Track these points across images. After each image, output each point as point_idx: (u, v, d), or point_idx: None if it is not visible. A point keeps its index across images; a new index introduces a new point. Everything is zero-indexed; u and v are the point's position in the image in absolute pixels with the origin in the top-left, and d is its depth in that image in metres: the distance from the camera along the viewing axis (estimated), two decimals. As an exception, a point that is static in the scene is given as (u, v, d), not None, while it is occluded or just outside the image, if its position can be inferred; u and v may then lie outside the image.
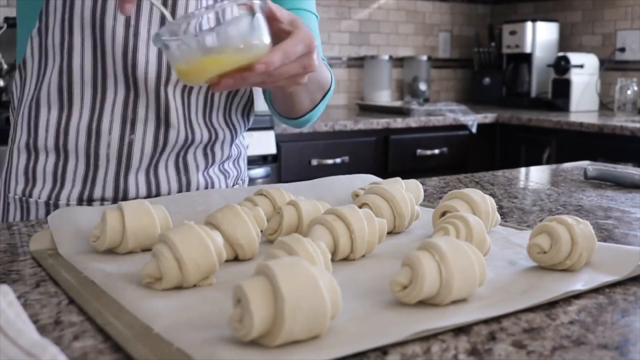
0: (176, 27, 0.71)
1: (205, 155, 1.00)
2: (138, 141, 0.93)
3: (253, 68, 0.70)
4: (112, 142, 0.93)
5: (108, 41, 0.90)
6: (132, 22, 0.90)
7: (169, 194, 0.97)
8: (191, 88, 0.95)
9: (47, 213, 0.94)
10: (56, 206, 0.94)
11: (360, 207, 0.78)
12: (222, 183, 1.04)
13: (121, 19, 0.90)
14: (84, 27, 0.90)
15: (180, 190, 0.98)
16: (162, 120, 0.93)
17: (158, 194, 0.96)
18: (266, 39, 0.72)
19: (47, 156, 0.94)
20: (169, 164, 0.97)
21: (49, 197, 0.94)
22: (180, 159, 0.97)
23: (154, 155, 0.94)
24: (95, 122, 0.92)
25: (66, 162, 0.94)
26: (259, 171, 2.37)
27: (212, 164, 1.01)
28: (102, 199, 0.95)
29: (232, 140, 1.04)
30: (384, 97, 3.35)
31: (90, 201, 0.94)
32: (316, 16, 1.06)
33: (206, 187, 1.00)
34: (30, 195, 0.95)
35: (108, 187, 0.94)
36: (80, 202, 0.94)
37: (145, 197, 0.95)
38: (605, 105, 3.26)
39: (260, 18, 0.71)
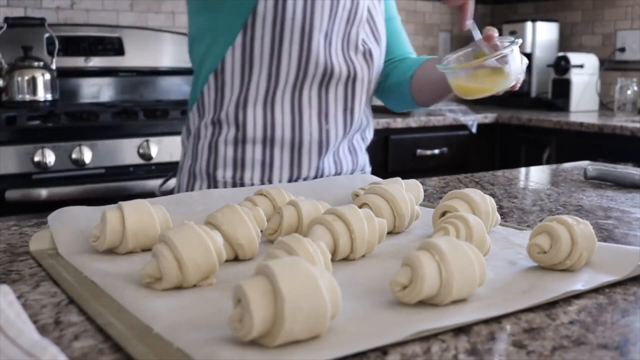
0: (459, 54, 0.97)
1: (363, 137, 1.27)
2: (332, 129, 1.16)
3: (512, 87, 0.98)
4: (313, 132, 1.14)
5: (313, 49, 1.09)
6: (330, 34, 1.11)
7: (344, 170, 1.20)
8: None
9: None
10: None
11: (360, 207, 0.78)
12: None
13: (323, 31, 1.09)
14: (292, 39, 1.08)
15: (353, 167, 1.23)
16: (348, 110, 1.17)
17: (339, 172, 1.19)
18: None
19: (254, 146, 1.13)
20: (344, 145, 1.21)
21: (261, 181, 1.13)
22: (353, 140, 1.23)
23: (343, 137, 1.19)
24: (297, 116, 1.13)
25: (272, 151, 1.13)
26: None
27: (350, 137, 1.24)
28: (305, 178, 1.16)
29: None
30: (385, 97, 3.34)
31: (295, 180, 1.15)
32: (398, 17, 1.34)
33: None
34: (242, 180, 1.13)
35: (312, 169, 1.15)
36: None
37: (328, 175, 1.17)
38: (605, 105, 3.25)
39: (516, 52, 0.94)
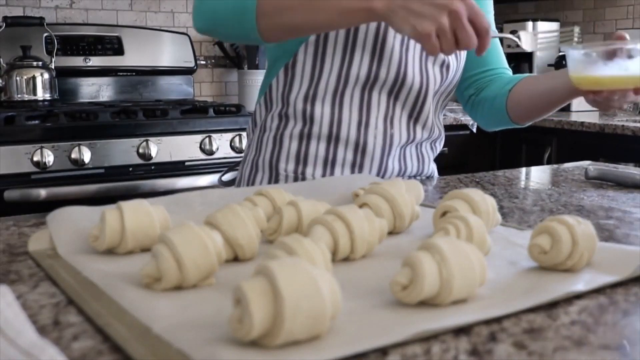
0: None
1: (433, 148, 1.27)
2: (396, 133, 1.16)
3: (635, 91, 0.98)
4: (378, 135, 1.14)
5: (386, 54, 1.10)
6: (407, 42, 1.12)
7: (408, 172, 1.20)
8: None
9: None
10: None
11: (360, 207, 0.78)
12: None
13: (399, 38, 1.10)
14: (366, 42, 1.09)
15: (419, 172, 1.22)
16: (413, 119, 1.17)
17: (404, 173, 1.19)
18: None
19: (318, 142, 1.13)
20: (412, 150, 1.21)
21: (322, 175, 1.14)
22: (422, 148, 1.23)
23: (406, 144, 1.18)
24: (364, 117, 1.13)
25: (336, 149, 1.13)
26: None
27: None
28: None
29: None
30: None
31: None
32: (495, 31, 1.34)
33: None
34: (303, 175, 1.14)
35: (374, 168, 1.15)
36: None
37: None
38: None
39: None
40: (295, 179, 1.14)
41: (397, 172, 1.17)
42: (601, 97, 0.99)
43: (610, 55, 0.92)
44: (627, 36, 0.96)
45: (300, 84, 1.14)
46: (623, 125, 2.54)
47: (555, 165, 1.42)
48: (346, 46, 1.09)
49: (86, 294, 0.58)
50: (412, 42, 1.11)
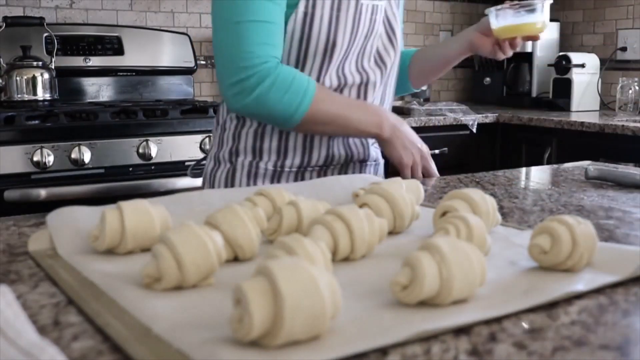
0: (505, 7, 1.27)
1: None
2: None
3: (536, 37, 1.30)
4: None
5: (332, 65, 1.19)
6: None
7: (355, 158, 1.30)
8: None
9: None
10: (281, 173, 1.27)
11: (360, 207, 0.78)
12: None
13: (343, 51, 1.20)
14: (316, 54, 1.18)
15: (365, 157, 1.32)
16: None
17: (350, 158, 1.29)
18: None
19: (271, 136, 1.24)
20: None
21: (274, 166, 1.25)
22: None
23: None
24: None
25: (287, 140, 1.23)
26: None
27: None
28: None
29: None
30: (385, 96, 3.34)
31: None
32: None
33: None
34: (257, 166, 1.24)
35: (321, 157, 1.25)
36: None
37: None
38: (607, 105, 3.25)
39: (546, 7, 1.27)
40: (250, 170, 1.25)
41: (343, 158, 1.28)
42: (515, 43, 1.29)
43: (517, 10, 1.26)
44: None
45: None
46: (623, 125, 2.54)
47: (555, 165, 1.42)
48: (299, 56, 1.18)
49: (86, 294, 0.58)
50: (352, 50, 1.22)
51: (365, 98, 1.26)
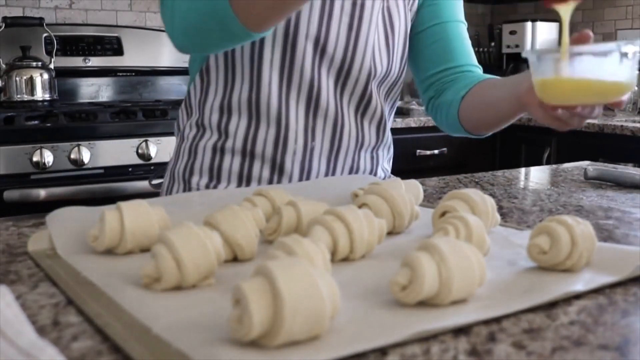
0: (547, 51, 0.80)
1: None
2: (317, 147, 1.05)
3: (614, 103, 0.80)
4: (297, 150, 1.03)
5: (298, 57, 0.99)
6: (322, 40, 1.00)
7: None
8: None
9: None
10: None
11: (359, 207, 0.78)
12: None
13: (312, 37, 0.99)
14: (275, 42, 0.99)
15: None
16: (338, 129, 1.05)
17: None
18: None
19: (232, 157, 1.05)
20: (346, 164, 1.09)
21: None
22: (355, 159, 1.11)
23: (330, 157, 1.07)
24: (282, 131, 1.03)
25: (251, 166, 1.04)
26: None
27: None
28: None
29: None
30: (384, 97, 3.34)
31: None
32: (464, 23, 1.15)
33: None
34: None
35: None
36: None
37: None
38: (606, 105, 3.25)
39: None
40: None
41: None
42: (570, 111, 0.84)
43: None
44: (591, 34, 0.82)
45: (215, 93, 1.05)
46: (622, 126, 2.55)
47: (554, 166, 1.42)
48: (253, 48, 1.00)
49: (86, 294, 0.58)
50: (330, 41, 1.01)
51: (358, 34, 1.02)
